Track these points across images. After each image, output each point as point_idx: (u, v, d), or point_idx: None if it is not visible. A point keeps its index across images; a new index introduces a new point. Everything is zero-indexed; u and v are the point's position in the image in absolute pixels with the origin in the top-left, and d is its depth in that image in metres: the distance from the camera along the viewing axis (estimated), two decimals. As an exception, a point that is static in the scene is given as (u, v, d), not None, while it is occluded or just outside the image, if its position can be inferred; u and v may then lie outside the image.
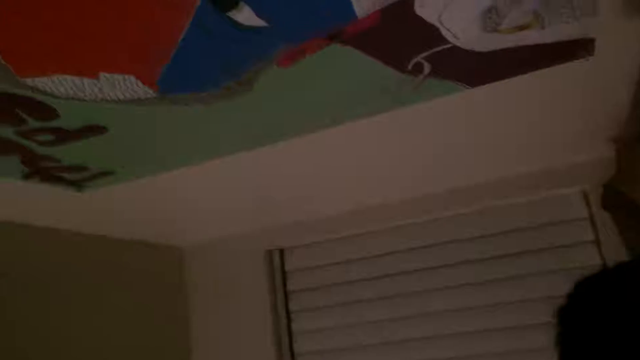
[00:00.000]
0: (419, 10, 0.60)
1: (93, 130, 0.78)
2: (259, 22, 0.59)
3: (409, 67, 0.72)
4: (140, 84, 0.68)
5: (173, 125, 0.82)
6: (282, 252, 1.63)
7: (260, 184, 1.22)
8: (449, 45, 0.68)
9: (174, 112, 0.78)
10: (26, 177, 0.92)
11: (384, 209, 1.47)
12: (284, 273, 1.62)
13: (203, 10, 0.56)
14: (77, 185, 1.01)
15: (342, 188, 1.32)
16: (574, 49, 0.73)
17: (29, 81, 0.63)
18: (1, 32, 0.54)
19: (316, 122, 0.87)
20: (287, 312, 1.59)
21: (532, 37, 0.68)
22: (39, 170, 0.90)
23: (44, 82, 0.64)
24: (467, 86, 0.80)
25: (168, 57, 0.63)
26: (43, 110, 0.70)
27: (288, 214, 1.50)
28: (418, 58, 0.70)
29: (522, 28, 0.66)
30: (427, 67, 0.73)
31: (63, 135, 0.78)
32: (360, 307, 1.52)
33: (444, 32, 0.65)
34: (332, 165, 1.15)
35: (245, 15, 0.57)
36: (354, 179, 1.26)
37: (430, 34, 0.65)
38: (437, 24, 0.63)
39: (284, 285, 1.60)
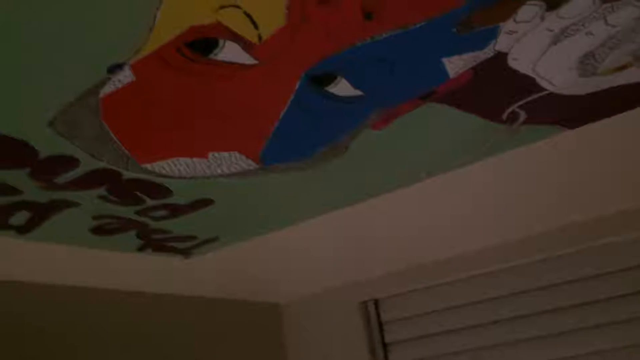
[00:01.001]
0: (512, 63, 0.61)
1: (201, 203, 0.83)
2: (354, 93, 0.61)
3: (504, 117, 0.72)
4: (244, 158, 0.72)
5: (272, 191, 0.86)
6: (376, 302, 1.61)
7: (353, 237, 1.24)
8: (545, 93, 0.67)
9: (273, 179, 0.81)
10: (140, 249, 0.99)
11: (482, 253, 1.43)
12: (380, 324, 1.60)
13: (302, 88, 0.59)
14: (185, 252, 1.07)
15: (435, 236, 1.30)
16: (680, 81, 0.70)
17: (148, 166, 0.69)
18: (124, 129, 0.60)
19: (410, 177, 0.88)
20: (387, 365, 1.56)
21: (633, 74, 0.66)
22: (151, 242, 0.97)
23: (161, 166, 0.69)
24: (566, 129, 0.78)
25: (269, 133, 0.67)
26: (159, 190, 0.75)
27: (381, 264, 1.49)
28: (513, 107, 0.70)
29: (621, 68, 0.64)
30: (522, 115, 0.72)
31: (175, 210, 0.84)
32: (463, 356, 1.46)
33: (539, 80, 0.64)
34: (425, 214, 1.14)
35: (341, 88, 0.60)
36: (448, 227, 1.24)
37: (524, 84, 0.65)
38: (532, 74, 0.63)
39: (382, 337, 1.58)
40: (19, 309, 1.07)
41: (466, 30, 0.54)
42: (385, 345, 1.57)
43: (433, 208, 1.10)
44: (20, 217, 0.76)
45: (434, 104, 0.67)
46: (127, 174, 0.69)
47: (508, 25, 0.54)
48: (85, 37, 0.45)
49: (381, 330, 1.59)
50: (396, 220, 1.15)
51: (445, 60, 0.58)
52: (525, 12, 0.52)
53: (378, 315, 1.59)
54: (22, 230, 0.80)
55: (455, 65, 0.59)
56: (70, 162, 0.64)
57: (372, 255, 1.40)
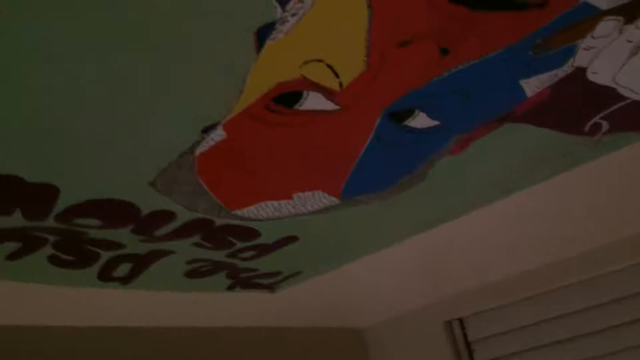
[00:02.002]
0: (592, 76, 0.60)
1: (286, 240, 0.86)
2: (432, 123, 0.62)
3: (586, 129, 0.71)
4: (326, 196, 0.74)
5: (353, 221, 0.87)
6: (461, 321, 1.58)
7: (433, 257, 1.23)
8: (627, 101, 0.65)
9: (353, 212, 0.83)
10: (229, 288, 1.03)
11: (566, 264, 1.37)
12: (467, 344, 1.56)
13: (381, 125, 0.61)
14: (270, 287, 1.10)
15: (518, 249, 1.27)
16: None
17: (238, 212, 0.72)
18: (217, 181, 0.64)
19: (489, 196, 0.87)
20: (479, 385, 1.52)
21: None
22: (240, 280, 1.01)
23: (249, 211, 0.73)
24: (651, 133, 0.76)
25: (350, 170, 0.69)
26: (248, 232, 0.79)
27: (463, 282, 1.46)
28: (595, 119, 0.69)
29: None
30: (605, 126, 0.70)
31: (262, 250, 0.87)
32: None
33: (621, 90, 0.63)
34: (505, 228, 1.12)
35: (419, 121, 0.61)
36: (530, 239, 1.21)
37: (606, 95, 0.64)
38: (613, 85, 0.62)
39: (471, 356, 1.54)
40: (117, 354, 1.13)
41: (543, 52, 0.54)
42: (475, 365, 1.54)
43: (513, 222, 1.07)
44: (123, 269, 0.82)
45: (511, 124, 0.67)
46: (219, 221, 0.73)
47: (586, 41, 0.53)
48: (183, 105, 0.49)
49: (469, 349, 1.55)
50: (475, 237, 1.13)
51: (522, 82, 0.58)
52: (603, 27, 0.52)
53: (464, 334, 1.56)
54: (125, 280, 0.85)
55: (533, 85, 0.59)
56: (168, 216, 0.68)
57: (453, 274, 1.38)
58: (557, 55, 0.55)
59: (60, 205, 0.59)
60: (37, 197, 0.56)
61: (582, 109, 0.66)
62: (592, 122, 0.69)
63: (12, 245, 0.67)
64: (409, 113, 0.60)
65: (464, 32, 0.48)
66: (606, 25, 0.51)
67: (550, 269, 1.40)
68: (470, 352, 1.54)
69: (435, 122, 0.62)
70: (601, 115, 0.68)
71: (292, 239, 0.86)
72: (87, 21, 0.38)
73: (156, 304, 1.02)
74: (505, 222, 1.05)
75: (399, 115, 0.60)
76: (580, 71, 0.58)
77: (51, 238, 0.67)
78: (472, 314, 1.55)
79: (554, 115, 0.67)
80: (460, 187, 0.83)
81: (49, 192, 0.56)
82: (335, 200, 0.76)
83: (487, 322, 1.53)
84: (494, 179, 0.82)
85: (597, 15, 0.49)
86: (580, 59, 0.56)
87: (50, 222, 0.62)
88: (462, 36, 0.49)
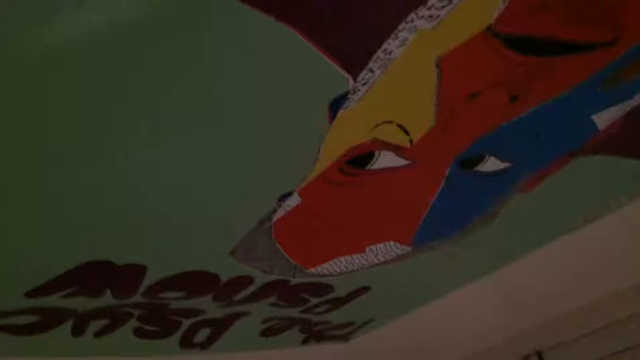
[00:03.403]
0: (666, 102, 0.58)
1: (359, 292, 0.85)
2: (502, 166, 0.62)
3: (663, 153, 0.68)
4: (398, 245, 0.74)
5: (425, 266, 0.86)
6: (540, 355, 1.51)
7: (507, 291, 1.19)
8: None
9: (425, 257, 0.82)
10: (303, 342, 1.03)
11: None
12: (549, 378, 1.49)
13: (452, 173, 0.60)
14: (343, 338, 1.09)
15: (597, 275, 1.21)
16: None
17: (312, 270, 0.72)
18: (292, 244, 0.65)
19: (566, 226, 0.85)
20: (566, 421, 1.43)
21: None
22: (313, 334, 1.00)
23: (323, 267, 0.73)
24: None
25: (421, 219, 0.69)
26: (322, 289, 0.79)
27: (539, 314, 1.40)
28: (672, 142, 0.66)
29: None
30: (683, 147, 0.68)
31: (336, 304, 0.86)
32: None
33: (697, 112, 0.61)
34: (584, 256, 1.07)
35: (490, 165, 0.61)
36: (611, 261, 1.16)
37: (681, 118, 0.61)
38: (689, 108, 0.59)
39: (555, 391, 1.47)
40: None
41: (614, 85, 0.53)
42: (560, 400, 1.46)
43: (592, 249, 1.03)
44: (202, 334, 0.83)
45: (584, 157, 0.65)
46: (294, 281, 0.74)
47: (658, 70, 0.52)
48: (263, 178, 0.50)
49: (552, 384, 1.48)
50: (551, 267, 1.09)
51: (594, 116, 0.57)
52: (675, 55, 0.50)
53: (545, 368, 1.49)
54: (204, 345, 0.86)
55: (605, 118, 0.58)
56: (246, 281, 0.69)
57: (529, 307, 1.33)
58: (628, 87, 0.54)
59: (147, 281, 0.61)
60: (126, 277, 0.58)
61: (657, 134, 0.64)
62: (669, 145, 0.67)
63: (100, 323, 0.69)
64: (480, 159, 0.59)
65: (533, 79, 0.48)
66: (679, 53, 0.50)
67: (633, 293, 1.33)
68: (554, 386, 1.47)
69: (506, 164, 0.61)
70: (679, 137, 0.65)
71: (365, 289, 0.85)
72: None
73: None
74: (584, 249, 1.01)
75: (469, 162, 0.59)
76: (653, 98, 0.57)
77: (136, 312, 0.69)
78: (550, 346, 1.48)
79: (627, 143, 0.65)
80: (535, 222, 0.81)
81: (137, 271, 0.58)
82: (407, 249, 0.75)
83: (567, 353, 1.46)
84: (570, 209, 0.79)
85: (670, 44, 0.48)
86: (652, 87, 0.55)
87: (137, 298, 0.64)
88: (530, 82, 0.49)
